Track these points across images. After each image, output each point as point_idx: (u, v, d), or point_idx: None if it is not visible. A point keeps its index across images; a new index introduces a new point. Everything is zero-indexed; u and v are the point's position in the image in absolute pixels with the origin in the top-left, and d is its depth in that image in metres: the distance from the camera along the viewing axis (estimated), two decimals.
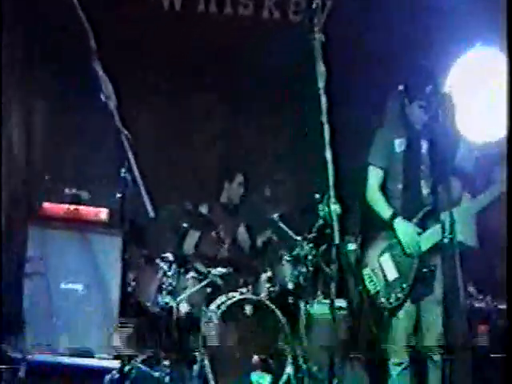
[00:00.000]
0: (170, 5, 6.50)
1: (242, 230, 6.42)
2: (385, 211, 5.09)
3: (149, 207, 4.23)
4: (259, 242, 6.37)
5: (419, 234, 5.00)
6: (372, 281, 5.07)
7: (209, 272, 5.88)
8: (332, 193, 3.94)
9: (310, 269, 5.80)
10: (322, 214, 4.86)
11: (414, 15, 6.52)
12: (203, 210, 6.26)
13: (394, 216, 5.04)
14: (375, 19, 6.51)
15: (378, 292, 5.04)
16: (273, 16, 6.70)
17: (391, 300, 4.99)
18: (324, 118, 3.99)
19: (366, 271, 5.10)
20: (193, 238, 6.16)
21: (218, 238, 6.17)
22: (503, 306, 6.11)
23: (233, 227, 6.36)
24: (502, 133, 6.60)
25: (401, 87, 5.23)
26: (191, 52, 6.53)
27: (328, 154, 3.90)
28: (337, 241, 3.90)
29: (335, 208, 4.04)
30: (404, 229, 5.00)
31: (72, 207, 5.94)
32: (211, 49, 6.54)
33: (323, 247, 5.73)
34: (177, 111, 6.58)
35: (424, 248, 5.00)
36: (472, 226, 5.72)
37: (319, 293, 5.96)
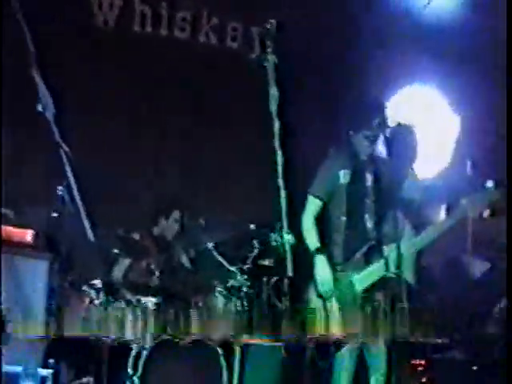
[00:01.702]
0: (104, 22, 6.20)
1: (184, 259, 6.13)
2: (312, 243, 4.92)
3: (88, 229, 3.93)
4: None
5: (335, 279, 4.83)
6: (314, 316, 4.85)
7: (138, 301, 5.54)
8: (285, 223, 3.73)
9: (245, 302, 5.52)
10: (273, 243, 4.68)
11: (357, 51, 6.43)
12: (136, 237, 5.94)
13: (317, 251, 4.88)
14: (322, 49, 6.38)
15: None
16: (210, 41, 6.49)
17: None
18: (276, 144, 3.79)
19: (309, 306, 4.88)
20: (122, 265, 5.83)
21: (149, 268, 5.84)
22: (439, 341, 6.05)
23: (164, 258, 6.04)
24: (445, 163, 6.70)
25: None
26: (133, 72, 6.21)
27: (281, 182, 3.70)
28: (290, 272, 3.67)
29: (288, 238, 3.85)
30: (321, 268, 4.84)
31: None
32: (153, 71, 6.27)
33: (273, 280, 5.46)
34: (117, 133, 6.27)
35: (366, 284, 4.82)
36: (410, 263, 5.62)
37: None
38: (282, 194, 3.73)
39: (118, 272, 5.85)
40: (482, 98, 6.74)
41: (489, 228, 6.93)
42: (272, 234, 4.63)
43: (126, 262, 5.89)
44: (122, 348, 5.28)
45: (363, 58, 6.42)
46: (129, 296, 5.60)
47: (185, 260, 6.14)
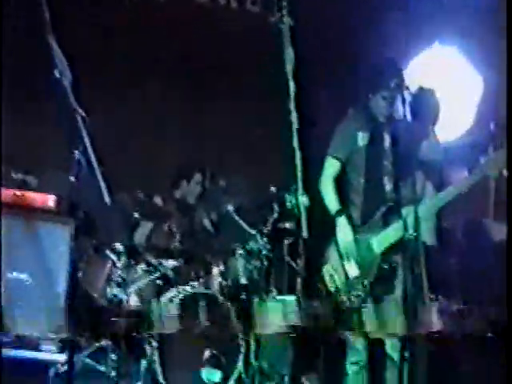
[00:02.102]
0: None
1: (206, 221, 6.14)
2: (332, 204, 4.90)
3: (105, 193, 3.93)
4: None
5: (355, 240, 4.81)
6: (333, 278, 4.85)
7: (160, 264, 5.58)
8: (300, 184, 3.71)
9: (265, 263, 5.52)
10: (288, 205, 4.65)
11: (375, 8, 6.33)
12: (157, 201, 5.95)
13: (338, 212, 4.87)
14: (339, 11, 6.29)
15: (338, 289, 4.83)
16: (230, 4, 6.44)
17: (352, 298, 4.77)
18: (292, 105, 3.77)
19: (327, 268, 4.88)
20: (145, 228, 5.86)
21: (170, 231, 5.85)
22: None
23: (186, 221, 6.05)
24: (468, 124, 6.61)
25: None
26: (150, 39, 6.23)
27: (296, 144, 3.68)
28: (305, 234, 3.66)
29: (303, 200, 3.84)
30: (342, 229, 4.84)
31: (18, 193, 5.55)
32: (170, 36, 6.25)
33: (289, 241, 5.44)
34: (137, 97, 6.25)
35: (384, 246, 4.78)
36: (432, 223, 5.59)
37: (273, 289, 5.69)
38: (298, 155, 3.71)
39: (140, 235, 5.89)
40: (502, 58, 6.65)
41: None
42: (287, 195, 4.61)
43: (149, 225, 5.92)
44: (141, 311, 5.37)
45: (380, 19, 6.34)
46: (151, 259, 5.66)
47: (206, 223, 6.16)
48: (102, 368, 5.19)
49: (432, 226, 5.80)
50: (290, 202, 4.59)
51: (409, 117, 4.57)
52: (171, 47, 6.27)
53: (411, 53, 6.60)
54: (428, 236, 5.67)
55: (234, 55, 6.30)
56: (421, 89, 4.81)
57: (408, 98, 4.57)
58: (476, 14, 6.65)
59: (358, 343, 4.86)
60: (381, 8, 6.37)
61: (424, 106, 4.78)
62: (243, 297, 5.52)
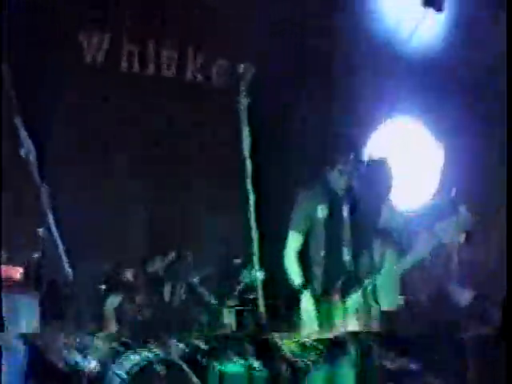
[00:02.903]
0: (93, 59, 6.37)
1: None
2: (296, 278, 5.09)
3: (67, 269, 4.07)
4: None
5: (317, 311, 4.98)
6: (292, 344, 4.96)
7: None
8: (256, 260, 3.87)
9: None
10: (247, 280, 4.80)
11: (336, 81, 6.56)
12: (127, 274, 6.06)
13: (301, 287, 5.05)
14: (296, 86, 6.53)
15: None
16: (196, 79, 6.64)
17: (307, 362, 4.90)
18: (249, 185, 3.93)
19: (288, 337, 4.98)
20: (115, 300, 5.95)
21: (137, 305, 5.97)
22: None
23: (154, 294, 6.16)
24: (431, 192, 6.83)
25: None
26: (116, 114, 6.38)
27: (252, 222, 3.84)
28: (261, 308, 3.81)
29: (258, 275, 3.99)
30: (305, 302, 5.02)
31: None
32: (136, 109, 6.42)
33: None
34: (101, 170, 6.40)
35: (343, 315, 4.95)
36: (393, 289, 5.73)
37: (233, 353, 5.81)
38: (254, 232, 3.88)
39: (110, 306, 5.98)
40: (465, 129, 6.91)
41: (474, 255, 7.10)
42: (244, 270, 4.74)
43: (118, 298, 6.01)
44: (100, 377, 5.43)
45: (341, 91, 6.57)
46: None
47: (173, 296, 6.24)
48: None
49: (393, 293, 5.95)
50: (247, 276, 4.75)
51: (365, 188, 4.79)
52: (138, 120, 6.42)
53: (373, 125, 6.84)
54: (389, 302, 5.82)
55: (201, 129, 6.50)
56: (374, 161, 5.01)
57: (363, 170, 4.81)
58: (435, 84, 6.93)
59: None
60: (340, 82, 6.59)
61: (378, 176, 4.97)
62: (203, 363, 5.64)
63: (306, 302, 5.02)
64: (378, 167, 5.14)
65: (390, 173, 5.31)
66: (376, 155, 5.72)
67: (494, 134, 7.06)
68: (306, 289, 5.03)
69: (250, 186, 3.94)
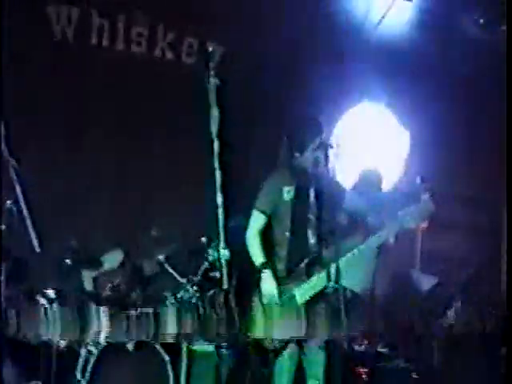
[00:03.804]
0: (62, 35, 6.36)
1: None
2: (257, 258, 5.16)
3: (34, 242, 4.15)
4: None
5: (279, 292, 5.07)
6: (258, 323, 5.10)
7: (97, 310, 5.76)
8: (222, 238, 3.97)
9: (194, 313, 5.76)
10: (211, 258, 4.90)
11: (303, 67, 6.67)
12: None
13: (263, 265, 5.13)
14: (263, 69, 6.62)
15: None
16: (165, 56, 6.71)
17: (276, 342, 5.03)
18: (216, 164, 4.04)
19: (253, 313, 5.12)
20: (88, 277, 6.02)
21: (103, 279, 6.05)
22: (383, 350, 6.33)
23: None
24: (392, 180, 6.99)
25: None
26: (85, 87, 6.40)
27: (219, 199, 3.95)
28: (225, 286, 3.92)
29: (224, 253, 4.10)
30: (266, 282, 5.10)
31: None
32: (105, 85, 6.44)
33: (210, 292, 5.70)
34: (67, 144, 6.45)
35: (306, 297, 5.07)
36: (364, 271, 5.88)
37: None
38: (220, 211, 3.99)
39: (88, 284, 6.06)
40: (430, 114, 7.09)
41: (436, 242, 7.31)
42: (209, 248, 4.85)
43: (89, 273, 6.08)
44: (71, 353, 5.53)
45: (309, 76, 6.65)
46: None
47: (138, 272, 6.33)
48: None
49: (365, 277, 6.09)
50: (212, 255, 4.85)
51: (332, 172, 4.93)
52: (106, 96, 6.42)
53: (341, 110, 6.98)
54: (360, 286, 5.96)
55: (168, 107, 6.51)
56: (340, 146, 5.14)
57: (331, 154, 4.94)
58: (403, 71, 7.09)
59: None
60: (310, 68, 6.68)
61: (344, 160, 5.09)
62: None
63: (267, 282, 5.10)
64: (345, 152, 5.27)
65: (357, 158, 5.44)
66: (343, 140, 5.88)
67: (463, 121, 7.29)
68: (266, 268, 5.11)
69: (216, 164, 4.05)
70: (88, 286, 5.98)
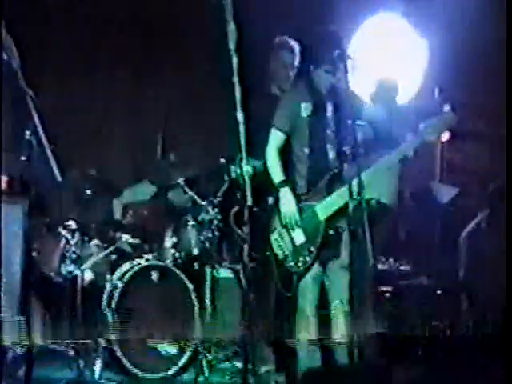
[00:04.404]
0: None
1: None
2: (276, 175, 5.18)
3: (56, 171, 4.21)
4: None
5: (300, 208, 5.09)
6: (280, 245, 5.17)
7: (113, 239, 5.88)
8: (244, 154, 4.01)
9: (216, 234, 5.84)
10: (233, 175, 4.93)
11: None
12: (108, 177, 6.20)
13: (282, 183, 5.16)
14: None
15: (286, 256, 5.14)
16: None
17: (299, 264, 5.11)
18: (235, 79, 4.05)
19: (274, 236, 5.19)
20: (117, 207, 6.12)
21: (125, 206, 6.14)
22: (406, 267, 6.41)
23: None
24: (414, 89, 6.94)
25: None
26: (94, 13, 6.42)
27: (240, 115, 3.97)
28: (249, 202, 3.97)
29: (247, 169, 4.13)
30: (285, 199, 5.12)
31: None
32: (114, 10, 6.46)
33: (234, 210, 5.75)
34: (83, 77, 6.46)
35: (328, 212, 5.08)
36: (390, 182, 5.91)
37: (225, 258, 6.03)
38: (241, 127, 4.01)
39: (117, 213, 6.16)
40: (448, 26, 7.01)
41: (456, 153, 7.31)
42: (232, 165, 4.88)
43: (119, 203, 6.17)
44: (96, 287, 5.68)
45: None
46: (105, 235, 5.94)
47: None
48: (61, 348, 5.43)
49: (389, 188, 6.12)
50: (235, 171, 4.89)
51: (350, 85, 4.92)
52: (118, 23, 6.49)
53: (357, 22, 6.92)
54: (383, 196, 6.00)
55: (182, 27, 6.53)
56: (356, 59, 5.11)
57: (349, 68, 4.92)
58: None
59: None
60: None
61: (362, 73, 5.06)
62: (196, 267, 5.88)
63: (286, 199, 5.12)
64: (361, 65, 5.24)
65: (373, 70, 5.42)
66: (359, 52, 5.85)
67: (481, 34, 7.18)
68: (286, 186, 5.14)
69: (236, 79, 4.05)
70: (117, 214, 6.07)
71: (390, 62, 7.03)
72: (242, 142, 4.04)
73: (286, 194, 5.14)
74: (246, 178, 4.09)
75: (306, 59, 5.28)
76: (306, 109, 5.19)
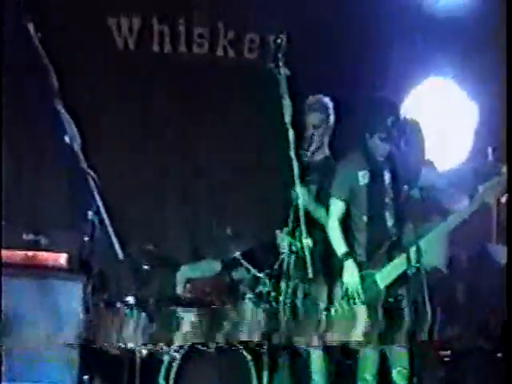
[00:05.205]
0: (125, 45, 6.57)
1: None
2: (339, 247, 5.25)
3: (118, 249, 4.33)
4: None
5: (362, 276, 5.15)
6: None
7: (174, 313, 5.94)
8: (303, 227, 4.08)
9: (274, 305, 5.87)
10: (293, 248, 4.99)
11: (368, 46, 6.73)
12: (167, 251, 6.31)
13: (346, 255, 5.22)
14: (327, 54, 6.71)
15: None
16: (227, 54, 6.82)
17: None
18: (292, 153, 4.16)
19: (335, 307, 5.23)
20: (180, 279, 6.22)
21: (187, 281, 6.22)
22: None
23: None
24: (466, 152, 6.99)
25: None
26: (150, 92, 6.62)
27: (298, 189, 4.07)
28: (311, 275, 4.02)
29: (307, 242, 4.21)
30: (349, 271, 5.17)
31: (30, 253, 5.92)
32: (170, 87, 6.65)
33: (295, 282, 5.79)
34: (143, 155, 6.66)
35: (388, 280, 5.15)
36: (442, 246, 5.92)
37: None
38: (300, 201, 4.10)
39: (180, 287, 6.24)
40: (497, 85, 7.05)
41: None
42: (292, 239, 4.94)
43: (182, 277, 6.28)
44: (154, 360, 5.71)
45: (373, 57, 6.71)
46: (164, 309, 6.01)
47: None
48: None
49: (443, 252, 6.12)
50: (295, 245, 4.95)
51: (405, 152, 5.00)
52: (171, 100, 6.64)
53: (407, 87, 7.00)
54: (438, 261, 6.00)
55: (234, 104, 6.67)
56: (411, 124, 5.19)
57: (403, 133, 5.01)
58: (468, 42, 7.07)
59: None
60: (372, 46, 6.74)
61: (417, 139, 5.14)
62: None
63: (350, 271, 5.17)
64: (416, 130, 5.31)
65: (422, 133, 5.48)
66: (412, 118, 5.91)
67: None
68: (349, 258, 5.20)
69: (293, 154, 4.16)
70: (180, 288, 6.16)
71: (441, 125, 7.07)
72: (301, 214, 4.12)
73: (349, 265, 5.19)
74: (307, 251, 4.14)
75: (361, 127, 5.34)
76: (363, 177, 5.29)
